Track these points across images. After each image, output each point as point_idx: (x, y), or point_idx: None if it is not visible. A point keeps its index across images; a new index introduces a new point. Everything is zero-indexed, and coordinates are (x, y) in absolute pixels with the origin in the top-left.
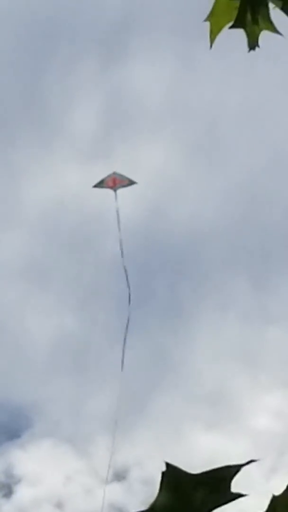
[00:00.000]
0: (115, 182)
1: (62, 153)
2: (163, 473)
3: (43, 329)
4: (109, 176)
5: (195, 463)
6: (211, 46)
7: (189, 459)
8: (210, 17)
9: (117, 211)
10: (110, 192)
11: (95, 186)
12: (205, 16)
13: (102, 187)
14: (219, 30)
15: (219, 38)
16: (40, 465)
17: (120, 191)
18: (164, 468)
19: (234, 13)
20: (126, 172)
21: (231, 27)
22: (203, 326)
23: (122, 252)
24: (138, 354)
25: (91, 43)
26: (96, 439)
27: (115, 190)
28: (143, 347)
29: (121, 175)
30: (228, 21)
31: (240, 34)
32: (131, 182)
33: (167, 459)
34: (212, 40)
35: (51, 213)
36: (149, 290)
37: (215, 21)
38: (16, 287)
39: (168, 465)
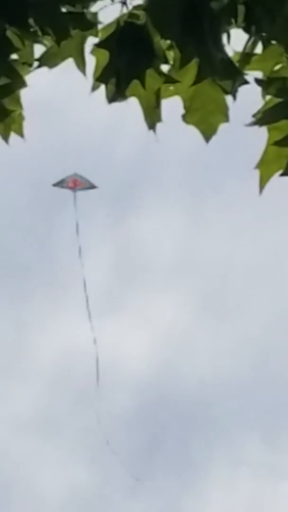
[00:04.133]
0: (75, 183)
1: (72, 306)
2: None
3: (54, 482)
4: (69, 176)
5: None
6: (260, 192)
7: None
8: (260, 164)
9: (77, 221)
10: (121, 343)
11: (55, 185)
12: (215, 169)
13: (62, 187)
14: (269, 177)
15: (228, 191)
16: None
17: (131, 348)
18: None
19: (284, 161)
20: (137, 326)
21: (282, 174)
22: (214, 480)
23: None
24: (150, 507)
25: (102, 194)
26: None
27: (74, 192)
28: (155, 500)
29: (81, 177)
30: (278, 169)
31: (250, 187)
32: (91, 186)
33: None
34: (261, 187)
35: (62, 366)
36: (160, 444)
37: (265, 169)
38: (26, 440)
39: None
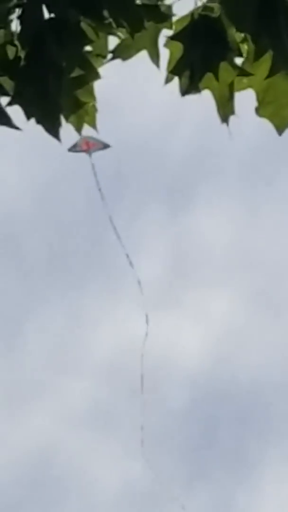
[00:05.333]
0: (89, 145)
1: (128, 300)
2: None
3: (109, 477)
4: (81, 139)
5: None
6: None
7: None
8: None
9: (96, 177)
10: (176, 338)
11: (70, 150)
12: (270, 164)
13: (76, 151)
14: None
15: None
16: None
17: (186, 343)
18: None
19: None
20: (192, 321)
21: None
22: (269, 476)
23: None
24: (204, 502)
25: (157, 189)
26: None
27: (89, 154)
28: (208, 495)
29: (93, 138)
30: None
31: None
32: (105, 145)
33: None
34: None
35: (117, 360)
36: (214, 440)
37: None
38: (80, 434)
39: None
